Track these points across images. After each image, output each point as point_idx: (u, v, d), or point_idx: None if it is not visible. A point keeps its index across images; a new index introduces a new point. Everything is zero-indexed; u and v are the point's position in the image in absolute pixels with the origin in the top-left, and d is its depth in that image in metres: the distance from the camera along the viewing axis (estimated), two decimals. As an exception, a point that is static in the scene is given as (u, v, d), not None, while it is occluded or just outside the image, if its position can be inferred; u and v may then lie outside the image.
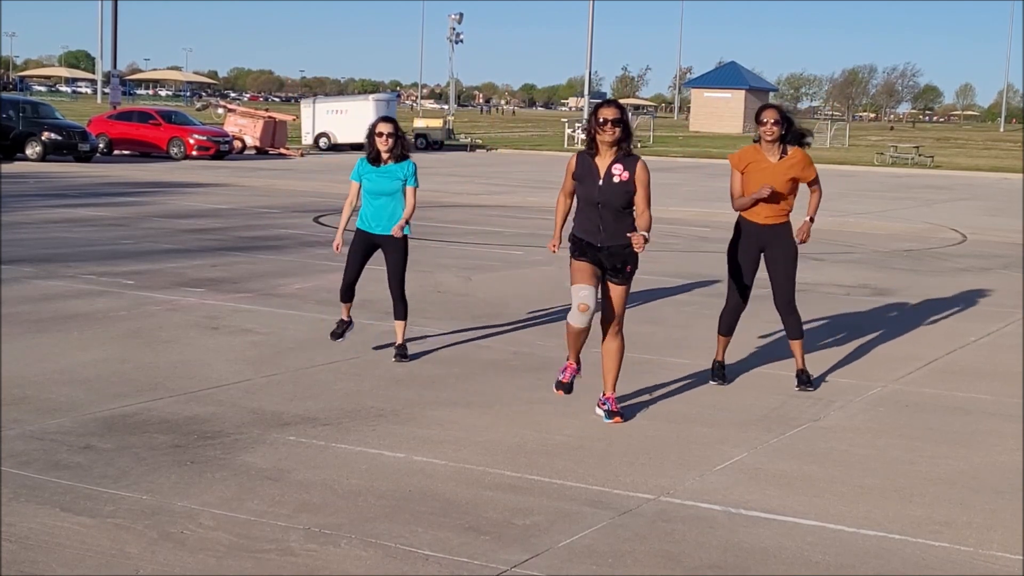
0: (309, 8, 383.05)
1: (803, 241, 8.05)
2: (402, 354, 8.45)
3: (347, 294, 8.64)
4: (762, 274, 8.09)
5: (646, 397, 7.60)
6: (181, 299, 10.67)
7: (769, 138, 7.84)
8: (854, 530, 5.26)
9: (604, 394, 7.03)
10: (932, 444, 6.75)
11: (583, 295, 6.76)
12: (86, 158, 31.96)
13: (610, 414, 6.95)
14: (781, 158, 7.87)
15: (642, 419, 7.08)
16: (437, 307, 10.73)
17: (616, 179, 6.75)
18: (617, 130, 6.72)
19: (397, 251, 8.47)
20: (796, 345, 8.07)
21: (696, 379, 8.16)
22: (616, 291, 6.91)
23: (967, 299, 12.26)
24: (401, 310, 8.54)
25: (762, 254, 7.99)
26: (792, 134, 7.91)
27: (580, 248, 6.86)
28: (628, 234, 6.70)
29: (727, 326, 8.12)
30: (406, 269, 8.56)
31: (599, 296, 6.89)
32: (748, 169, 7.92)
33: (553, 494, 5.61)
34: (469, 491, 5.61)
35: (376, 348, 8.79)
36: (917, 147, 49.25)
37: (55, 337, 8.80)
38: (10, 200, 19.77)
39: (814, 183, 8.08)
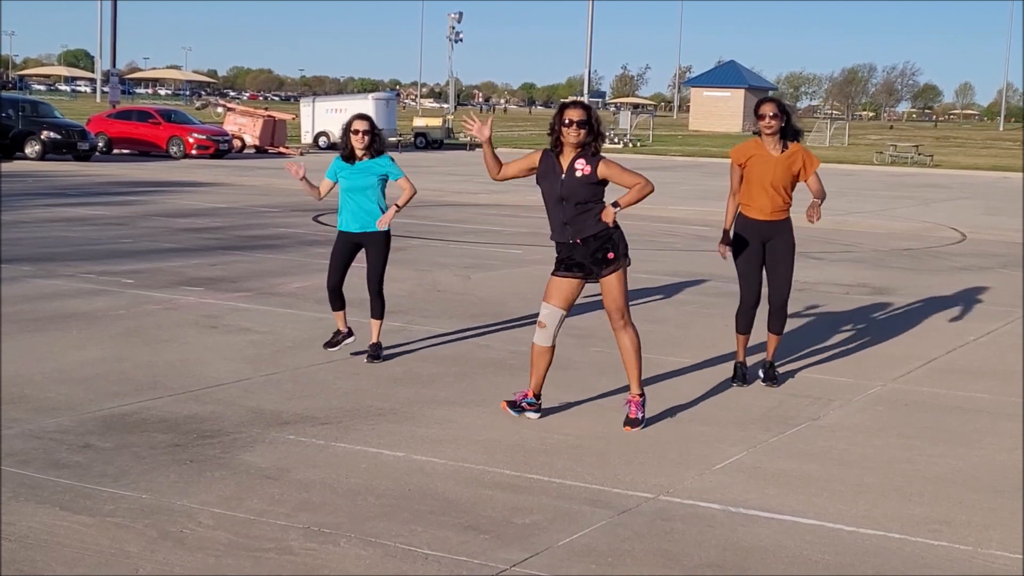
0: (308, 7, 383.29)
1: (814, 219, 7.79)
2: (375, 355, 8.36)
3: (335, 300, 8.48)
4: None
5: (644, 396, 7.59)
6: (180, 298, 10.67)
7: (768, 131, 7.82)
8: (853, 529, 5.26)
9: (630, 394, 6.84)
10: (931, 443, 6.75)
11: (544, 313, 6.72)
12: (85, 157, 31.95)
13: (626, 421, 6.76)
14: (783, 151, 7.86)
15: (641, 418, 7.08)
16: (436, 306, 10.73)
17: (578, 173, 6.59)
18: (582, 132, 6.56)
19: (379, 248, 8.38)
20: (773, 339, 8.11)
21: (695, 378, 8.16)
22: (608, 283, 6.69)
23: (966, 298, 12.26)
24: (378, 308, 8.44)
25: (765, 248, 7.96)
26: (790, 129, 7.90)
27: (559, 261, 6.75)
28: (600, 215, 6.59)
29: (744, 324, 8.06)
30: (386, 267, 8.48)
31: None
32: (750, 163, 7.88)
33: (552, 493, 5.61)
34: (468, 490, 5.61)
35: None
36: (916, 146, 49.27)
37: (54, 336, 8.80)
38: (9, 199, 19.77)
39: (814, 187, 7.93)
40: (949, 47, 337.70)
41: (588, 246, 6.64)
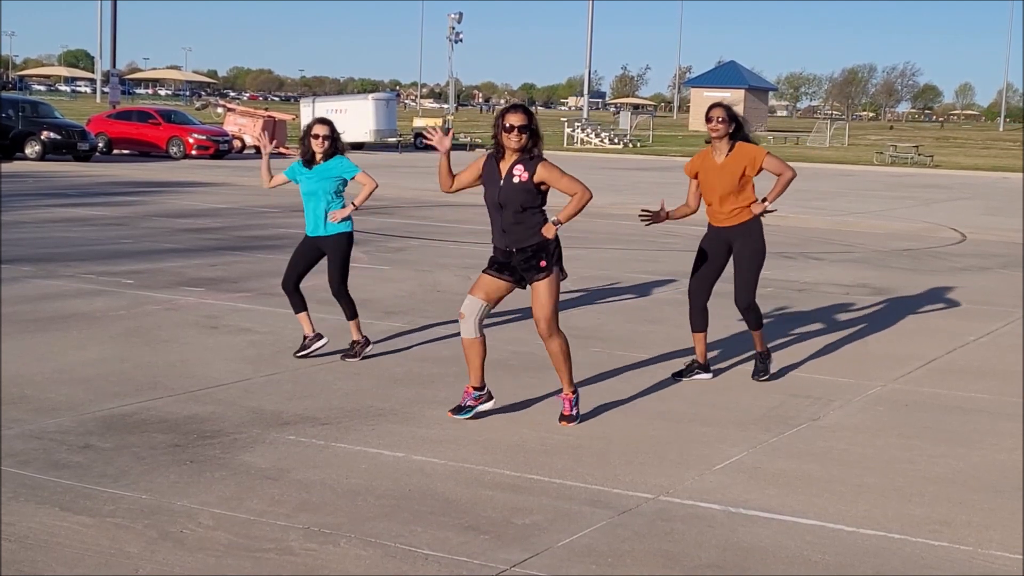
0: (308, 7, 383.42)
1: (756, 212, 7.93)
2: (350, 352, 8.33)
3: (293, 299, 8.46)
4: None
5: (645, 396, 7.60)
6: (180, 298, 10.67)
7: (715, 135, 7.85)
8: (853, 529, 5.26)
9: (562, 393, 6.92)
10: (931, 443, 6.75)
11: (465, 304, 6.77)
12: (85, 157, 31.95)
13: (561, 417, 6.85)
14: (727, 155, 7.86)
15: (641, 418, 7.09)
16: (436, 306, 10.72)
17: (516, 179, 6.65)
18: (523, 137, 6.62)
19: (335, 251, 8.36)
20: (755, 335, 8.17)
21: (695, 378, 8.15)
22: (538, 288, 6.73)
23: (966, 298, 12.26)
24: (347, 309, 8.41)
25: (732, 253, 8.05)
26: (742, 137, 7.92)
27: (492, 261, 6.84)
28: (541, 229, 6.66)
29: (692, 323, 8.15)
30: (347, 269, 8.44)
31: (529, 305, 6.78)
32: (699, 174, 8.00)
33: (552, 493, 5.61)
34: (468, 490, 5.61)
35: (375, 344, 8.78)
36: (916, 146, 49.27)
37: (54, 336, 8.80)
38: (9, 199, 19.77)
39: (776, 170, 7.91)
40: (949, 47, 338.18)
41: (523, 254, 6.71)
